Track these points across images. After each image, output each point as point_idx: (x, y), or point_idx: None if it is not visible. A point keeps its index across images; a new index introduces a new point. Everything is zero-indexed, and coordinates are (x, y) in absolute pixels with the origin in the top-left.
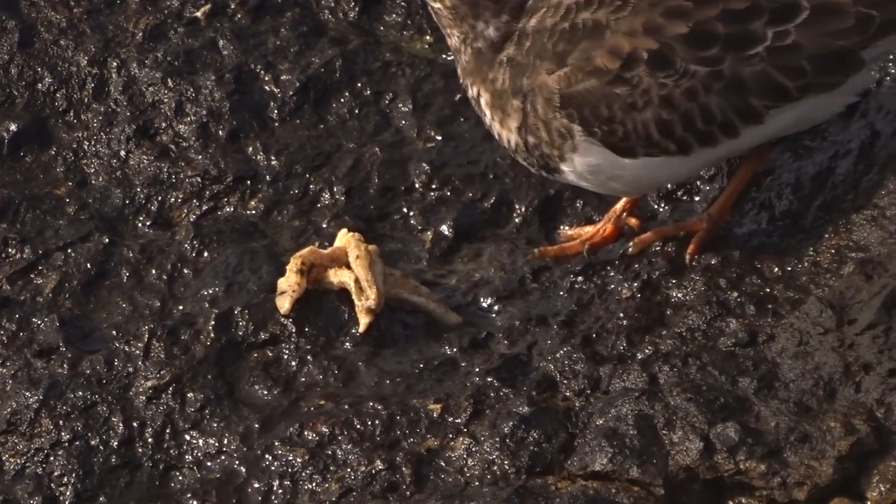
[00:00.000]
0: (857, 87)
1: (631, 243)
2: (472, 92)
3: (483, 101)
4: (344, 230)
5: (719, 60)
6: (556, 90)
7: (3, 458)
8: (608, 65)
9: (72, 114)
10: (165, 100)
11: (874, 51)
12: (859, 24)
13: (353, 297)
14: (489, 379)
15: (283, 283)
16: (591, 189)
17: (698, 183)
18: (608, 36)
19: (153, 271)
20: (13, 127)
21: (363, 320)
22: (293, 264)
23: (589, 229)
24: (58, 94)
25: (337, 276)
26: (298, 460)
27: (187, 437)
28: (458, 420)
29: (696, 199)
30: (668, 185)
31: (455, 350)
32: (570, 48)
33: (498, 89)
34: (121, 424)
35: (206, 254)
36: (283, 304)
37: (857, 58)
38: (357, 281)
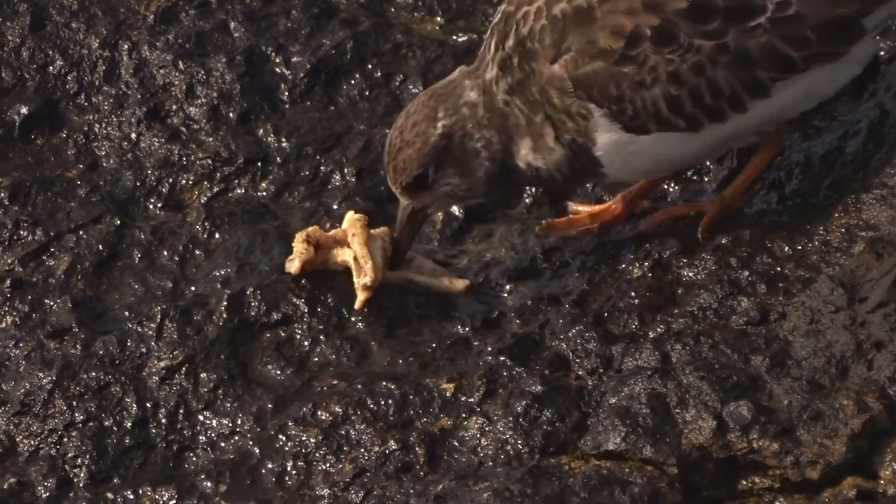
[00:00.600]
0: (860, 57)
1: (642, 220)
2: (522, 164)
3: (531, 158)
4: (350, 213)
5: (723, 33)
6: (564, 76)
7: (17, 439)
8: (612, 44)
9: (83, 96)
10: (176, 82)
11: (875, 17)
12: None
13: (353, 273)
14: (502, 358)
15: (292, 254)
16: (624, 177)
17: (708, 163)
18: (599, 17)
19: (165, 253)
20: (24, 110)
21: (360, 296)
22: (298, 237)
23: (598, 207)
24: (69, 77)
25: (341, 255)
26: (312, 440)
27: (201, 418)
28: (472, 399)
29: (706, 179)
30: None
31: (468, 329)
32: (561, 37)
33: (525, 125)
34: (134, 405)
35: (217, 235)
36: (294, 265)
37: (859, 25)
38: (355, 258)
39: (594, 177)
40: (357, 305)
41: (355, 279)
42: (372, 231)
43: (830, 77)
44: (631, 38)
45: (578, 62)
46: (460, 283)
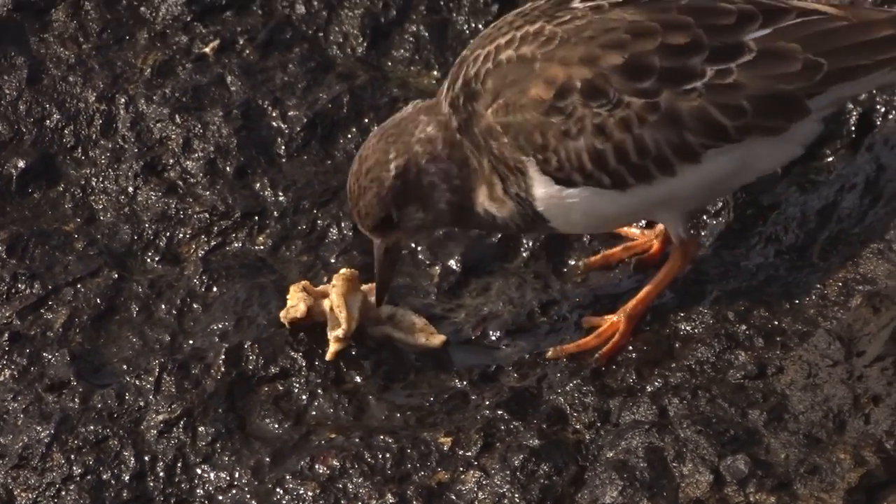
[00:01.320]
0: (801, 136)
1: (552, 350)
2: (481, 210)
3: (487, 205)
4: (342, 270)
5: (655, 93)
6: (494, 123)
7: (15, 492)
8: (543, 95)
9: (80, 150)
10: (173, 136)
11: (822, 99)
12: (806, 71)
13: (328, 324)
14: (499, 412)
15: (291, 301)
16: (572, 231)
17: (704, 217)
18: (537, 68)
19: (163, 306)
20: (21, 163)
21: (332, 347)
22: (293, 289)
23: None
24: (66, 131)
25: (325, 307)
26: (310, 494)
27: (199, 471)
28: (469, 453)
29: (703, 233)
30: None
31: (465, 383)
32: (500, 83)
33: (477, 168)
34: (132, 458)
35: (215, 289)
36: (300, 309)
37: (802, 105)
38: (331, 308)
39: (545, 230)
40: (328, 357)
41: (328, 330)
42: (363, 286)
43: (768, 152)
44: (561, 89)
45: (508, 109)
46: (436, 339)
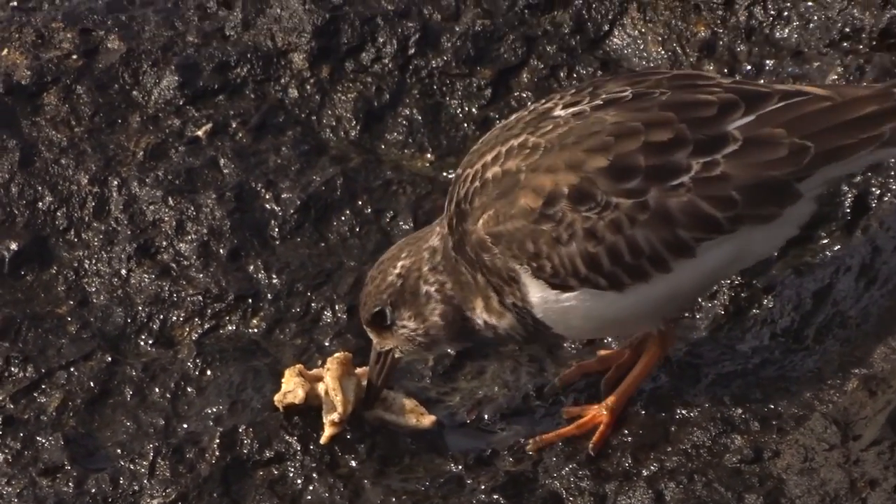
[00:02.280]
0: (795, 218)
1: (530, 442)
2: (479, 321)
3: (485, 317)
4: (337, 354)
5: (642, 192)
6: (483, 233)
7: None
8: (531, 204)
9: (72, 232)
10: (166, 218)
11: (811, 182)
12: (793, 155)
13: (323, 408)
14: (495, 496)
15: (287, 385)
16: (575, 336)
17: (700, 301)
18: (523, 178)
19: (157, 389)
20: (14, 246)
21: (327, 431)
22: (289, 374)
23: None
24: (58, 213)
25: (318, 391)
26: None
27: None
28: None
29: (699, 316)
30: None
31: (461, 467)
32: (487, 199)
33: (474, 286)
34: None
35: (209, 372)
36: (298, 395)
37: (793, 189)
38: (326, 392)
39: (550, 338)
40: (323, 441)
41: (324, 414)
42: (357, 370)
43: (763, 238)
44: (549, 196)
45: (498, 219)
46: (426, 420)
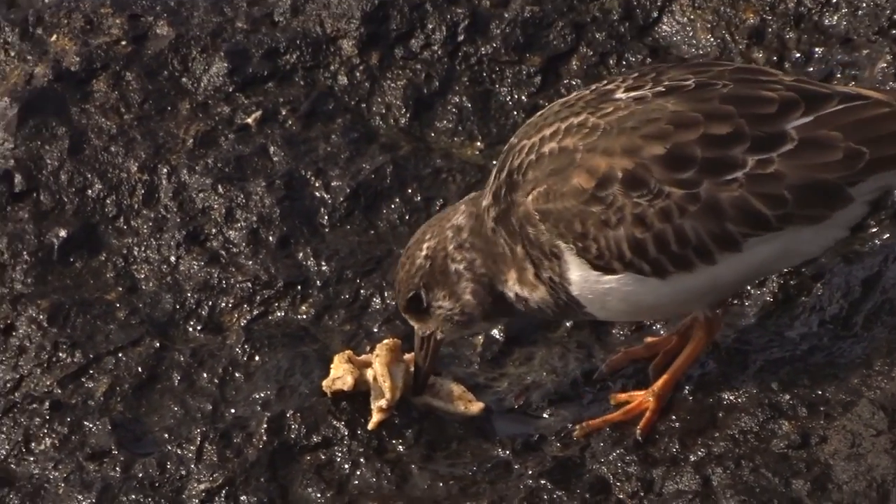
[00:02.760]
0: (845, 220)
1: (578, 427)
2: (510, 293)
3: (517, 289)
4: (386, 340)
5: (696, 183)
6: (533, 209)
7: None
8: (584, 184)
9: (122, 220)
10: (216, 206)
11: (864, 187)
12: (847, 160)
13: (371, 394)
14: (542, 481)
15: (335, 371)
16: (607, 318)
17: (749, 288)
18: (579, 158)
19: (204, 375)
20: (63, 233)
21: (375, 417)
22: (338, 359)
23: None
24: (108, 200)
25: (367, 377)
26: None
27: None
28: None
29: (747, 303)
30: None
31: (508, 452)
32: (541, 174)
33: (510, 257)
34: None
35: (257, 358)
36: (347, 382)
37: (844, 193)
38: (374, 378)
39: (580, 316)
40: (371, 427)
41: (372, 400)
42: (406, 356)
43: (811, 238)
44: (602, 179)
45: (548, 197)
46: (475, 407)
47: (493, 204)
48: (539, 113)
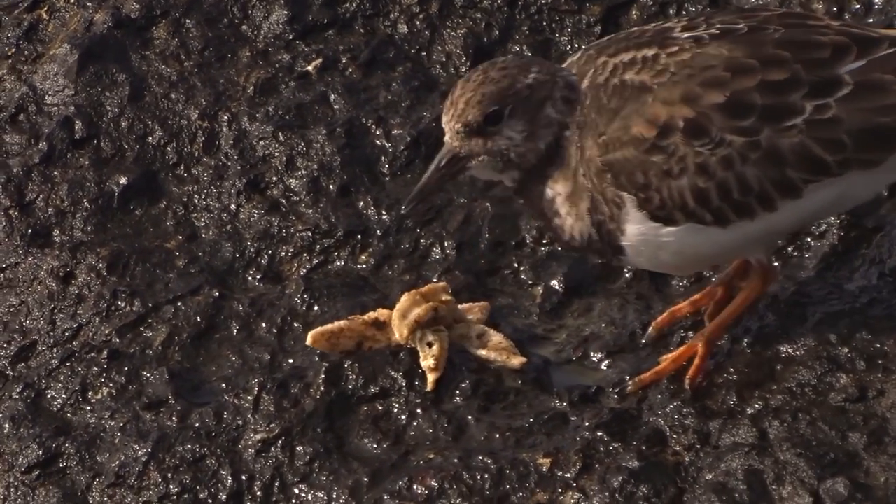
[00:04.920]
0: None
1: (630, 383)
2: (549, 192)
3: (559, 200)
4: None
5: (756, 131)
6: (597, 158)
7: None
8: (645, 133)
9: (182, 167)
10: (276, 154)
11: None
12: None
13: (420, 355)
14: (599, 433)
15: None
16: (648, 267)
17: (808, 239)
18: (650, 102)
19: (263, 325)
20: (123, 180)
21: (430, 378)
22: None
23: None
24: (168, 148)
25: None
26: None
27: (296, 491)
28: (568, 474)
29: (807, 255)
30: (718, 264)
31: (565, 404)
32: (621, 105)
33: (573, 170)
34: (229, 478)
35: (316, 307)
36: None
37: None
38: (420, 338)
39: (608, 259)
40: (429, 387)
41: (421, 361)
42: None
43: (866, 182)
44: (663, 128)
45: (610, 146)
46: (516, 361)
47: (579, 110)
48: (602, 39)
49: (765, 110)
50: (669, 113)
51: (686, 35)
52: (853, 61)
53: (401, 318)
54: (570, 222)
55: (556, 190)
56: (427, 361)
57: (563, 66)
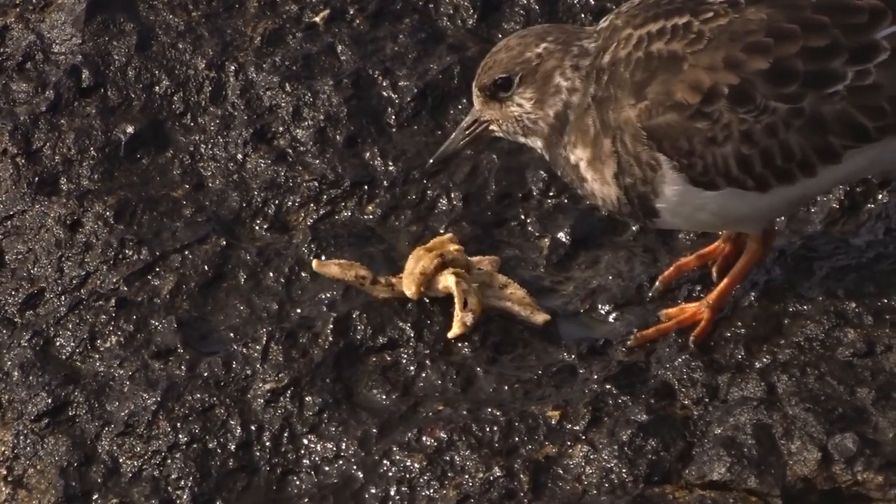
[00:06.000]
0: None
1: (631, 338)
2: (572, 157)
3: (583, 166)
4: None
5: (799, 97)
6: (638, 124)
7: (120, 459)
8: (689, 99)
9: (189, 117)
10: (283, 104)
11: None
12: None
13: (457, 304)
14: (608, 386)
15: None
16: (683, 227)
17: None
18: (686, 68)
19: (270, 274)
20: (130, 129)
21: (457, 329)
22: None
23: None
24: (175, 98)
25: (443, 283)
26: (416, 466)
27: (305, 441)
28: (577, 427)
29: (813, 210)
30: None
31: (573, 357)
32: (648, 77)
33: (592, 137)
34: (238, 427)
35: (323, 257)
36: (411, 287)
37: None
38: (465, 290)
39: (637, 222)
40: (450, 335)
41: (458, 311)
42: (473, 259)
43: None
44: (708, 94)
45: (653, 112)
46: (540, 317)
47: (596, 82)
48: (634, 2)
49: (808, 77)
50: (714, 79)
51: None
52: (889, 26)
53: (409, 276)
54: (597, 187)
55: (578, 155)
56: (467, 316)
57: (587, 33)
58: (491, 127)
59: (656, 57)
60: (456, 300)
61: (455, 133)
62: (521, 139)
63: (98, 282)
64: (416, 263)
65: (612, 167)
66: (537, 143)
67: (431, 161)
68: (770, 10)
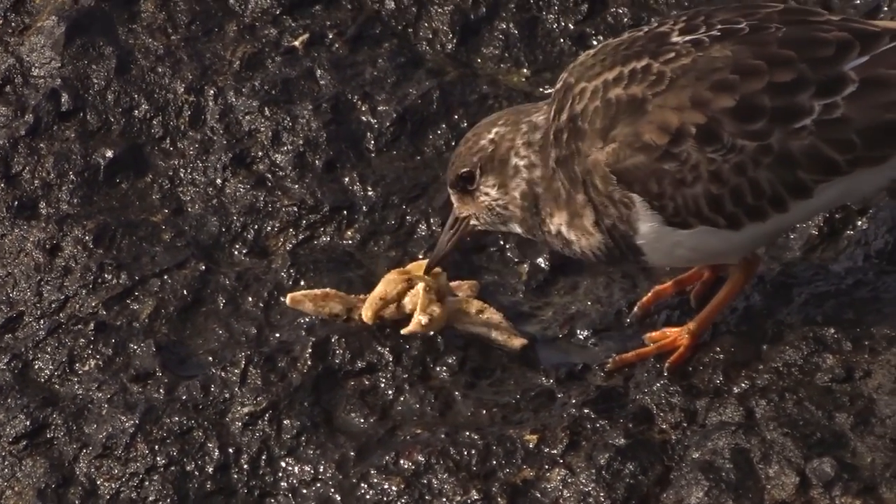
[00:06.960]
0: None
1: (609, 362)
2: (552, 227)
3: (564, 230)
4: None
5: (767, 134)
6: (607, 167)
7: (98, 482)
8: (657, 140)
9: (168, 141)
10: (262, 128)
11: None
12: None
13: (418, 306)
14: (586, 410)
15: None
16: (668, 264)
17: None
18: (651, 109)
19: (249, 299)
20: (109, 153)
21: (411, 327)
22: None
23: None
24: (154, 122)
25: (412, 298)
26: (394, 489)
27: (283, 464)
28: (555, 451)
29: (792, 236)
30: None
31: (552, 381)
32: (610, 123)
33: (565, 198)
34: (216, 450)
35: (302, 282)
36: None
37: None
38: (427, 290)
39: (632, 263)
40: (403, 331)
41: (418, 310)
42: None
43: (873, 178)
44: (676, 134)
45: (621, 155)
46: (517, 342)
47: (555, 145)
48: (590, 52)
49: (775, 112)
50: (681, 119)
51: (685, 39)
52: (856, 57)
53: (369, 301)
54: (584, 243)
55: (557, 222)
56: (423, 317)
57: (538, 107)
58: (472, 222)
59: (615, 103)
60: (419, 301)
61: (441, 236)
62: (503, 227)
63: (77, 306)
64: (384, 288)
65: (590, 216)
66: (517, 229)
67: (427, 265)
68: (735, 47)
